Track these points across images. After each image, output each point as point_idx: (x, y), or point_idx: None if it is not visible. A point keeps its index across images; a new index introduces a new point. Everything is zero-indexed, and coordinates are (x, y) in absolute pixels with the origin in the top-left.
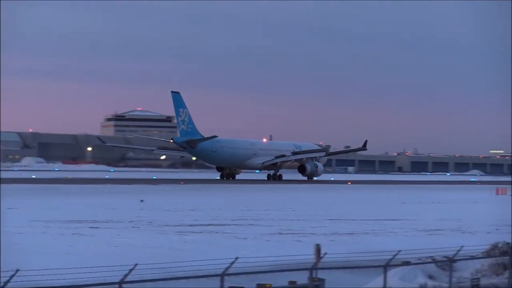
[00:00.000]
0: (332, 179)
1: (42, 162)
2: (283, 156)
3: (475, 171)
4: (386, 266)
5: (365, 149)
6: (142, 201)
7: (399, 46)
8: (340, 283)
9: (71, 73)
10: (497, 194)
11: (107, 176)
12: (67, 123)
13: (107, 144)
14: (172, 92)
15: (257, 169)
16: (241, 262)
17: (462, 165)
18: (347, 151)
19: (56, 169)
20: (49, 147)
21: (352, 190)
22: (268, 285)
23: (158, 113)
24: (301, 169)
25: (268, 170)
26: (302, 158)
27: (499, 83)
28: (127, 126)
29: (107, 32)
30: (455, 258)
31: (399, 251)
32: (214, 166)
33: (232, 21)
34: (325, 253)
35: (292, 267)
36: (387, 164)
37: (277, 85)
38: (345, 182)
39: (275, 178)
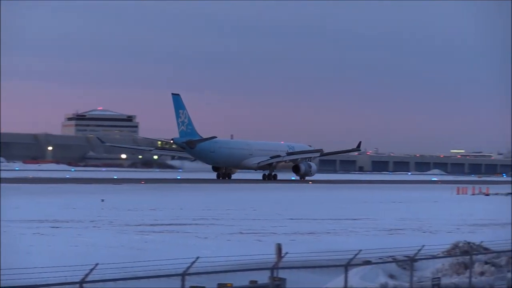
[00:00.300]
0: (293, 178)
1: (2, 162)
2: (278, 156)
3: (436, 171)
4: (347, 266)
5: (359, 150)
6: (103, 200)
7: (363, 46)
8: (301, 283)
9: (31, 73)
10: (457, 193)
11: (67, 176)
12: (27, 123)
13: (106, 144)
14: (172, 94)
15: (253, 169)
16: (202, 262)
17: (423, 165)
18: (342, 151)
19: (17, 169)
20: (9, 147)
21: (313, 190)
22: (229, 285)
23: (119, 112)
24: (295, 169)
25: (263, 170)
26: (297, 159)
27: (465, 83)
28: (88, 125)
29: (69, 31)
30: (416, 257)
31: (360, 250)
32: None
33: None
34: (286, 253)
35: (253, 267)
36: (348, 164)
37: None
38: (306, 182)
39: (270, 178)
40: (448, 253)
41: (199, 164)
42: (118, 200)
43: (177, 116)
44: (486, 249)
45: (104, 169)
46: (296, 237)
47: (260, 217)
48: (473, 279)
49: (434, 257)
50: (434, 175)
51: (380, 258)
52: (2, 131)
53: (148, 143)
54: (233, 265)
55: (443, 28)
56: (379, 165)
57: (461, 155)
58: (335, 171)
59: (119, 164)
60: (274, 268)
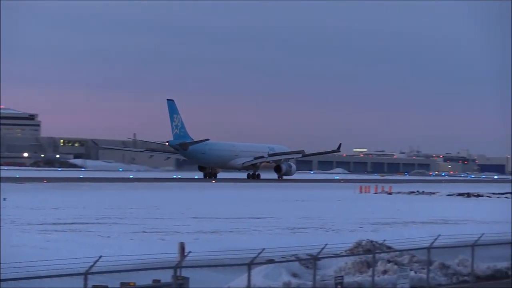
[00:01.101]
0: (196, 177)
1: None
2: (262, 157)
3: (338, 169)
4: (250, 265)
5: (339, 151)
6: (4, 199)
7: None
8: (204, 282)
9: None
10: (360, 192)
11: None
12: None
13: (101, 146)
14: (167, 99)
15: (238, 169)
16: (105, 261)
17: (325, 163)
18: (322, 153)
19: None
20: None
21: (216, 189)
22: (132, 284)
23: (21, 111)
24: (277, 169)
25: (247, 170)
26: (280, 159)
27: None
28: None
29: None
30: (319, 256)
31: (263, 249)
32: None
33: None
34: (189, 252)
35: (156, 266)
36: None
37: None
38: (209, 180)
39: (254, 177)
40: (351, 252)
41: (103, 163)
42: (20, 199)
43: (171, 120)
44: (388, 247)
45: (6, 168)
46: (199, 236)
47: (163, 216)
48: (376, 278)
49: (337, 255)
50: (337, 174)
51: (283, 257)
52: None
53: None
54: (136, 264)
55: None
56: None
57: (364, 154)
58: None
59: (22, 163)
60: (177, 267)
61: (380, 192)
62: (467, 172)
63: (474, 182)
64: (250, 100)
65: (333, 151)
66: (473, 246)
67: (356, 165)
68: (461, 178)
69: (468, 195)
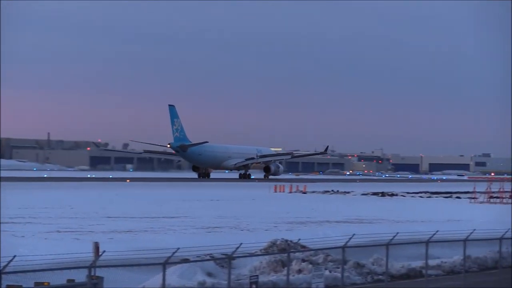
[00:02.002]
0: (111, 176)
1: None
2: (253, 158)
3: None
4: (165, 264)
5: (326, 153)
6: None
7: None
8: (119, 281)
9: None
10: (275, 191)
11: None
12: None
13: (102, 149)
14: (169, 105)
15: (230, 169)
16: (19, 261)
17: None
18: (310, 154)
19: None
20: None
21: (131, 188)
22: (46, 283)
23: None
24: (266, 169)
25: (239, 170)
26: (270, 160)
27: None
28: None
29: None
30: (234, 255)
31: (178, 248)
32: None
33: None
34: (104, 251)
35: (70, 265)
36: (167, 162)
37: None
38: (124, 179)
39: (245, 177)
40: (266, 251)
41: (17, 163)
42: None
43: (172, 124)
44: (303, 246)
45: None
46: (113, 236)
47: (77, 215)
48: (291, 277)
49: (252, 255)
50: (252, 174)
51: (198, 257)
52: None
53: None
54: (50, 264)
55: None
56: None
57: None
58: (153, 170)
59: None
60: (91, 266)
61: (295, 192)
62: (382, 172)
63: (389, 181)
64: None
65: (320, 153)
66: (388, 245)
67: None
68: (375, 178)
69: (383, 194)
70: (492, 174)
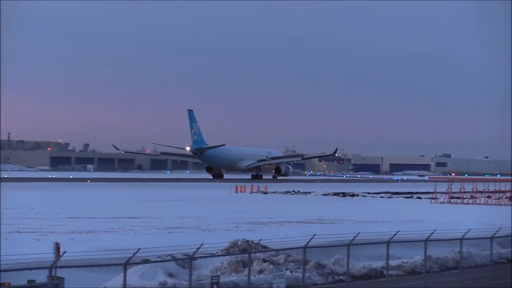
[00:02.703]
0: (72, 177)
1: None
2: (264, 160)
3: None
4: (126, 264)
5: (335, 155)
6: None
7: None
8: (80, 282)
9: None
10: (236, 191)
11: None
12: None
13: (122, 151)
14: (188, 110)
15: (243, 170)
16: None
17: (201, 164)
18: (320, 156)
19: None
20: None
21: (91, 188)
22: (6, 284)
23: None
24: (277, 171)
25: (251, 171)
26: (281, 162)
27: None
28: None
29: None
30: (195, 256)
31: (139, 249)
32: None
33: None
34: (65, 252)
35: (31, 266)
36: (126, 162)
37: None
38: (84, 180)
39: (257, 177)
40: (227, 252)
41: None
42: None
43: (191, 127)
44: (264, 247)
45: None
46: (74, 236)
47: (38, 216)
48: (252, 277)
49: (213, 255)
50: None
51: (159, 257)
52: None
53: None
54: (11, 265)
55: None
56: (158, 163)
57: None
58: (113, 170)
59: None
60: (52, 267)
61: (256, 192)
62: (342, 172)
63: (350, 181)
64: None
65: (330, 155)
66: (349, 245)
67: None
68: (336, 178)
69: (344, 194)
70: (453, 174)
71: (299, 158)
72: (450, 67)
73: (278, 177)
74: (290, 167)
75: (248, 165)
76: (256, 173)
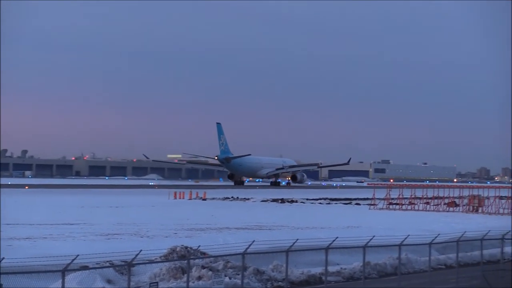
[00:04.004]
0: (10, 183)
1: None
2: (282, 168)
3: (153, 175)
4: (64, 271)
5: (348, 164)
6: None
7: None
8: None
9: None
10: (175, 198)
11: None
12: None
13: (151, 159)
14: (216, 123)
15: (263, 178)
16: None
17: (140, 170)
18: (334, 165)
19: None
20: None
21: (30, 194)
22: None
23: None
24: (293, 178)
25: (269, 179)
26: (298, 170)
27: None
28: None
29: None
30: (133, 262)
31: (77, 255)
32: None
33: None
34: (3, 258)
35: None
36: (64, 168)
37: None
38: (22, 186)
39: (275, 184)
40: (166, 258)
41: None
42: None
43: (219, 139)
44: (203, 253)
45: None
46: (12, 242)
47: None
48: (191, 284)
49: (151, 262)
50: (152, 180)
51: (97, 263)
52: None
53: None
54: None
55: None
56: (96, 170)
57: (178, 160)
58: (51, 176)
59: None
60: None
61: (195, 198)
62: (281, 178)
63: (289, 188)
64: None
65: (343, 164)
66: (288, 251)
67: (170, 171)
68: (232, 184)
69: (282, 200)
70: (391, 180)
71: (315, 167)
72: (386, 71)
73: (293, 184)
74: (305, 174)
75: (267, 173)
76: (275, 180)
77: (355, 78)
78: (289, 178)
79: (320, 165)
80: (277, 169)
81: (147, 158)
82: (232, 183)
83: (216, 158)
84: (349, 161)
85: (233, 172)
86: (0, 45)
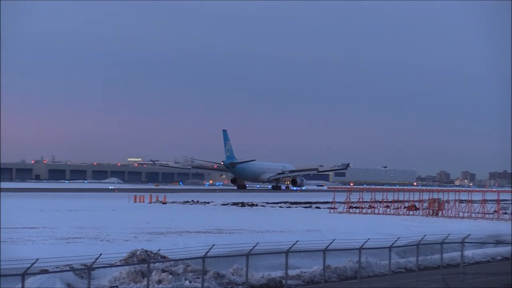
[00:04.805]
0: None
1: None
2: (283, 173)
3: (113, 179)
4: (24, 275)
5: (346, 169)
6: None
7: None
8: None
9: None
10: (135, 201)
11: None
12: None
13: (158, 164)
14: (223, 130)
15: (265, 182)
16: None
17: (100, 173)
18: (334, 170)
19: None
20: None
21: None
22: None
23: None
24: (293, 182)
25: (271, 183)
26: (298, 175)
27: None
28: None
29: None
30: (93, 266)
31: (37, 259)
32: None
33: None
34: None
35: None
36: (24, 172)
37: None
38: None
39: (276, 188)
40: (126, 262)
41: None
42: None
43: (225, 145)
44: (163, 257)
45: None
46: None
47: None
48: (151, 287)
49: (111, 265)
50: (112, 183)
51: (57, 267)
52: None
53: None
54: None
55: None
56: (56, 173)
57: (138, 164)
58: (11, 179)
59: None
60: None
61: (155, 202)
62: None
63: (248, 191)
64: None
65: (342, 169)
66: (248, 255)
67: (130, 175)
68: (235, 188)
69: (243, 204)
70: (351, 184)
71: (315, 172)
72: (348, 75)
73: (293, 188)
74: (303, 179)
75: (269, 178)
76: (276, 184)
77: (313, 82)
78: (288, 182)
79: (320, 170)
80: (278, 174)
81: (154, 163)
82: (235, 187)
83: (222, 163)
84: (347, 166)
85: (237, 176)
86: None
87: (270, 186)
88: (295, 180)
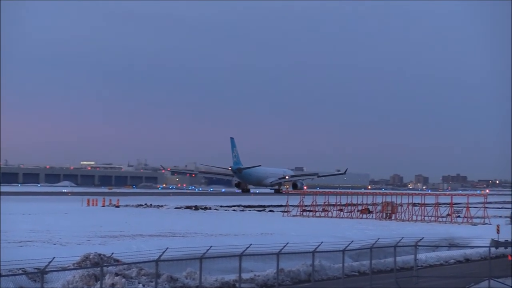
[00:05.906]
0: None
1: None
2: (284, 177)
3: (66, 182)
4: None
5: (345, 174)
6: None
7: None
8: None
9: None
10: (88, 205)
11: None
12: None
13: (168, 169)
14: (230, 137)
15: (267, 186)
16: None
17: (53, 176)
18: (332, 174)
19: None
20: None
21: None
22: None
23: None
24: (294, 186)
25: (273, 187)
26: (298, 179)
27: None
28: None
29: None
30: (46, 269)
31: None
32: None
33: None
34: None
35: None
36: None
37: None
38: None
39: (278, 191)
40: (79, 265)
41: None
42: None
43: (232, 151)
44: (116, 260)
45: None
46: None
47: None
48: None
49: (64, 269)
50: (65, 187)
51: (10, 271)
52: None
53: None
54: None
55: None
56: (9, 176)
57: (91, 167)
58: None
59: None
60: None
61: (108, 205)
62: (195, 185)
63: (202, 195)
64: None
65: (341, 173)
66: (201, 258)
67: (83, 178)
68: (189, 191)
69: (196, 207)
70: (305, 187)
71: (315, 176)
72: (309, 78)
73: (293, 191)
74: (303, 183)
75: (271, 182)
76: (278, 188)
77: (272, 86)
78: (288, 186)
79: (319, 175)
80: (279, 179)
81: (163, 168)
82: (239, 191)
83: (230, 168)
84: (345, 171)
85: (243, 180)
86: None
87: (272, 189)
88: (296, 184)
